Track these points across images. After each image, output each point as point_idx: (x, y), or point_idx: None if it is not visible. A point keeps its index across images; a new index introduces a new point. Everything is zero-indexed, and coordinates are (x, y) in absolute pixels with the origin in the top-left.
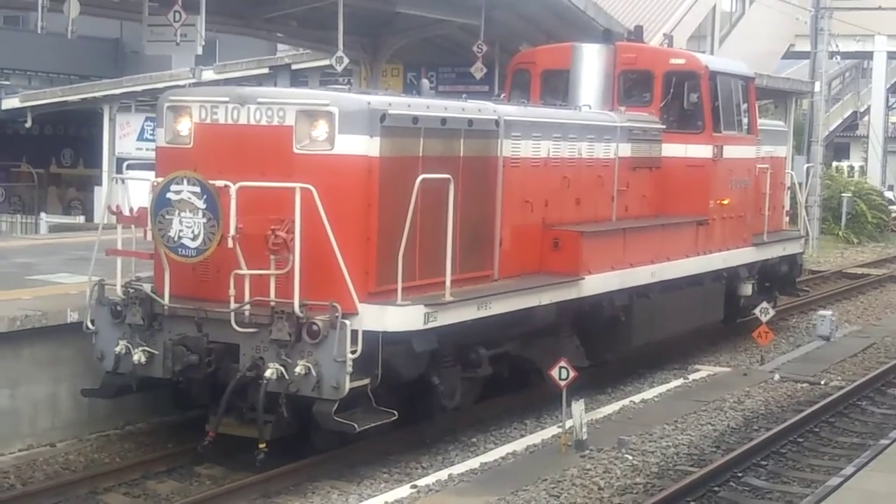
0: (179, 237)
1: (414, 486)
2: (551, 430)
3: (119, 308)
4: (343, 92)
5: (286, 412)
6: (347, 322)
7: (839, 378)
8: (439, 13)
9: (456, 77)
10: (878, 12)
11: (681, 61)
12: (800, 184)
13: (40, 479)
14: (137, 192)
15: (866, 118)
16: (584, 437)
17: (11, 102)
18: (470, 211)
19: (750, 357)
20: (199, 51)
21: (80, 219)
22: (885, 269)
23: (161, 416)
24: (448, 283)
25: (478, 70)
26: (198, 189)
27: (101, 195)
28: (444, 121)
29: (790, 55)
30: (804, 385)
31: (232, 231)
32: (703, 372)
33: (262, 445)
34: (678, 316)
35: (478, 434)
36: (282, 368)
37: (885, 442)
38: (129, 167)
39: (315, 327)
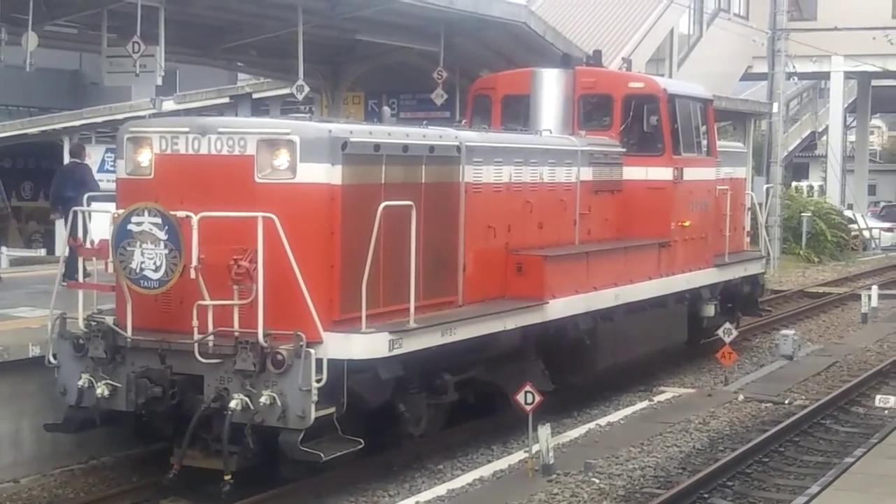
0: (141, 269)
1: None
2: (518, 455)
3: (81, 341)
4: (304, 120)
5: (252, 443)
6: (312, 351)
7: (803, 397)
8: (399, 40)
9: (417, 104)
10: (834, 33)
11: (640, 85)
12: (760, 204)
13: None
14: (99, 224)
15: (824, 138)
16: (551, 462)
17: None
18: (433, 237)
19: (714, 378)
20: (159, 81)
21: (42, 252)
22: (846, 287)
23: (125, 450)
24: (412, 310)
25: (438, 96)
26: (159, 220)
27: (61, 228)
28: (405, 147)
29: (748, 77)
30: (768, 405)
31: (194, 262)
32: (667, 394)
33: (227, 477)
34: (642, 338)
35: (444, 460)
36: (247, 399)
37: (849, 460)
38: (91, 199)
39: (279, 357)
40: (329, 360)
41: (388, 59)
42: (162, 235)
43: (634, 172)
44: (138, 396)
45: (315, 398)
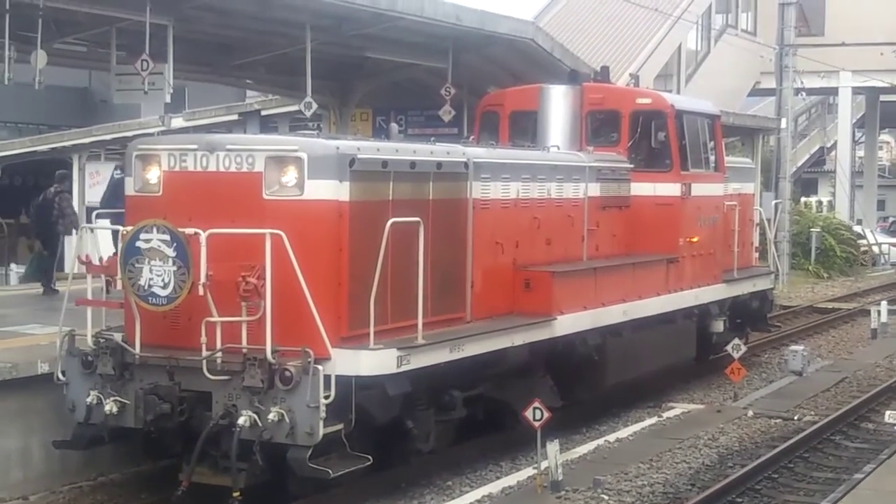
0: (150, 286)
1: None
2: (527, 472)
3: (90, 358)
4: (312, 137)
5: (260, 460)
6: (320, 367)
7: (812, 413)
8: (407, 57)
9: (425, 120)
10: (842, 49)
11: (647, 101)
12: (768, 220)
13: None
14: (107, 241)
15: (833, 153)
16: (560, 478)
17: None
18: (441, 253)
19: (723, 394)
20: (168, 99)
21: None
22: (856, 303)
23: (134, 467)
24: (420, 326)
25: (446, 113)
26: (167, 237)
27: (70, 245)
28: (413, 164)
29: (756, 92)
30: (778, 421)
31: (202, 278)
32: (676, 410)
33: (236, 494)
34: (651, 354)
35: (453, 477)
36: (255, 416)
37: (858, 476)
38: (99, 216)
39: (288, 373)
40: (337, 377)
41: (396, 75)
42: (170, 252)
43: (642, 188)
44: (147, 413)
45: (323, 415)
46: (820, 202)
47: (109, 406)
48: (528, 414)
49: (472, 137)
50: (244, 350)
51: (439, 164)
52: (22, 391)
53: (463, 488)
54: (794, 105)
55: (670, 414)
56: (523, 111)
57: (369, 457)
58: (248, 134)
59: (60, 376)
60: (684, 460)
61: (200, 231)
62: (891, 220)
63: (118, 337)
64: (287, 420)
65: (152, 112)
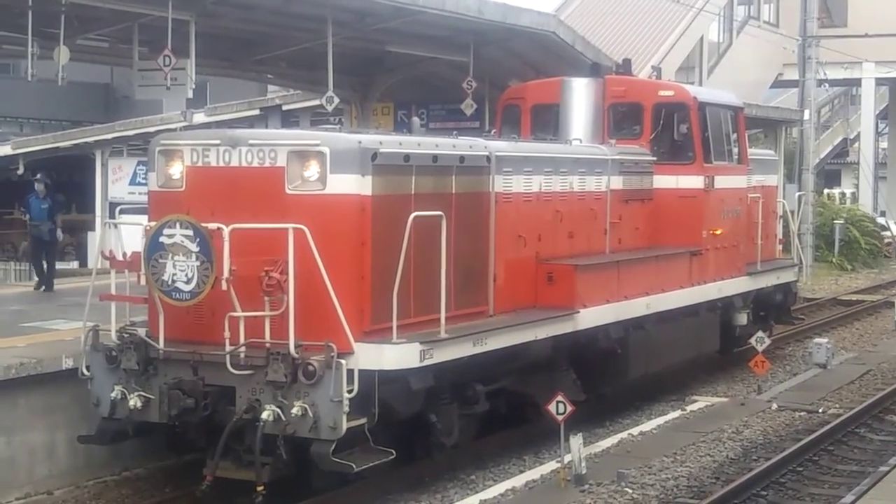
0: (173, 281)
1: None
2: (550, 465)
3: (114, 353)
4: (334, 132)
5: (284, 454)
6: (343, 362)
7: (837, 406)
8: (428, 51)
9: (446, 114)
10: (865, 39)
11: (670, 93)
12: (792, 212)
13: None
14: (130, 236)
15: (856, 145)
16: (584, 472)
17: (3, 150)
18: (463, 247)
19: (747, 387)
20: (190, 94)
21: (74, 264)
22: (880, 294)
23: (158, 462)
24: (443, 320)
25: (468, 106)
26: (191, 232)
27: (94, 240)
28: (435, 158)
29: (778, 84)
30: (802, 413)
31: (226, 273)
32: (700, 403)
33: (259, 488)
34: (674, 347)
35: (476, 471)
36: (278, 410)
37: (884, 469)
38: (122, 211)
39: (311, 368)
40: (360, 371)
41: (417, 69)
42: (194, 247)
43: (665, 181)
44: (171, 408)
45: (346, 409)
46: (843, 194)
47: (134, 401)
48: (552, 407)
49: (493, 131)
50: (267, 345)
51: (462, 158)
52: (47, 387)
53: (486, 482)
54: (817, 96)
55: (694, 407)
56: (545, 104)
57: (392, 451)
58: (270, 129)
59: (85, 371)
60: (708, 454)
61: (223, 226)
62: None
63: (142, 332)
64: (310, 414)
65: (174, 107)
